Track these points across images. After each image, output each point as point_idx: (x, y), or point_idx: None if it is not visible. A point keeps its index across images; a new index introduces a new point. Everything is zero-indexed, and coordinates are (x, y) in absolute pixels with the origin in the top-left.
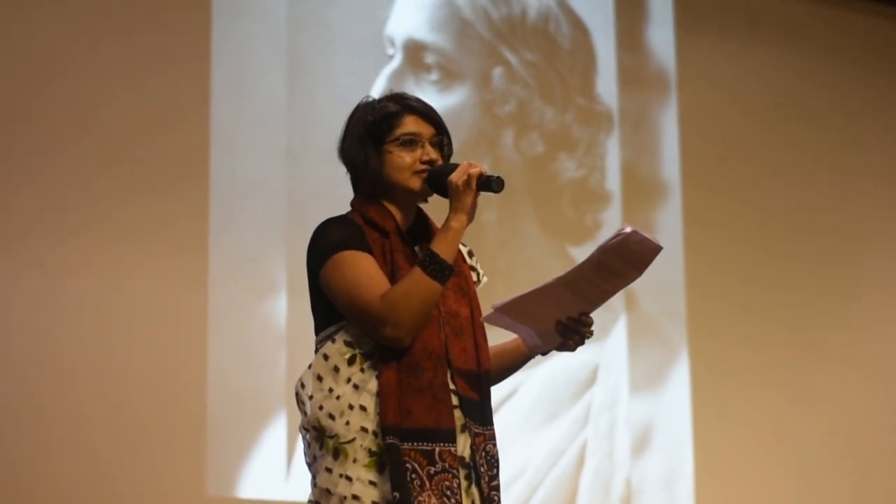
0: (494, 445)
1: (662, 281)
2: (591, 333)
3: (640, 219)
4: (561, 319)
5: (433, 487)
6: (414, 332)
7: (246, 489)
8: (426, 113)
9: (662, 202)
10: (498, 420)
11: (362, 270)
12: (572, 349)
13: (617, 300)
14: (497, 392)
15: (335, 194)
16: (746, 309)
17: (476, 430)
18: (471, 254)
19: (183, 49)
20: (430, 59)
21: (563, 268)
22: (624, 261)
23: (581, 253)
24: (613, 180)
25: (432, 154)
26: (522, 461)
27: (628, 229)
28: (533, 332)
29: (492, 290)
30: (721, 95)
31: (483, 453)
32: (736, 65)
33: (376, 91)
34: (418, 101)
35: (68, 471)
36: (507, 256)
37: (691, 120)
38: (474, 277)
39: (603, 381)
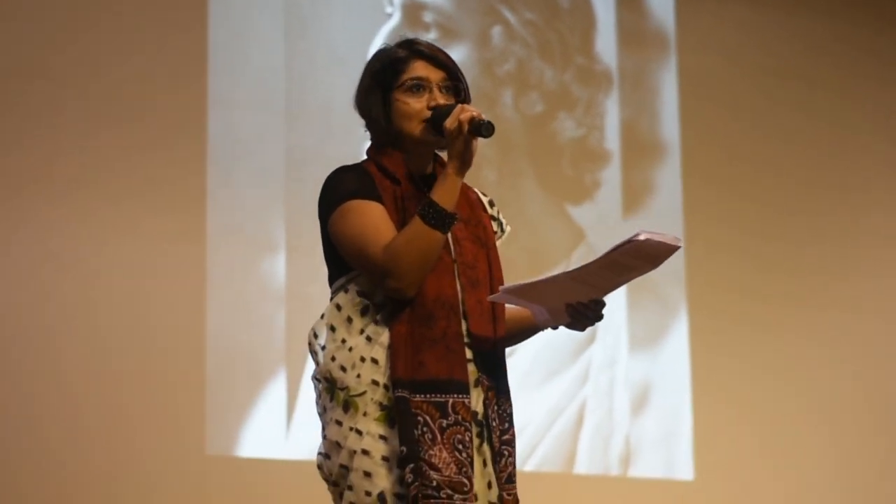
0: (508, 400)
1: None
2: (602, 317)
3: (638, 178)
4: (571, 303)
5: (444, 441)
6: (417, 283)
7: (246, 448)
8: (435, 57)
9: (661, 161)
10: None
11: (369, 220)
12: (581, 330)
13: None
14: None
15: (333, 152)
16: (746, 267)
17: (489, 385)
18: (492, 203)
19: (180, 8)
20: (428, 17)
21: (561, 226)
22: (637, 259)
23: (580, 212)
24: (613, 139)
25: (440, 100)
26: (522, 419)
27: (642, 237)
28: (543, 308)
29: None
30: (720, 54)
31: (496, 408)
32: (735, 24)
33: (374, 50)
34: (429, 45)
35: (64, 431)
36: (507, 216)
37: (690, 79)
38: (495, 228)
39: (602, 340)
